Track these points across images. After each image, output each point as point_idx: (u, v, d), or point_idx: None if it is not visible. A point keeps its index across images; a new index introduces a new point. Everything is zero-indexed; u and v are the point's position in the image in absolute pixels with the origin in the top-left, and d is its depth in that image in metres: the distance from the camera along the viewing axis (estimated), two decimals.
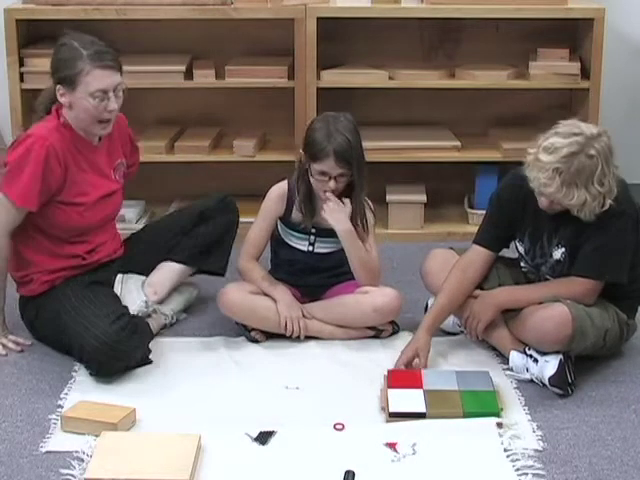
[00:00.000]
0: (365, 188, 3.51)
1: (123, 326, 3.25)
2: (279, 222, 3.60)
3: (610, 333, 3.29)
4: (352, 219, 3.48)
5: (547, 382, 3.20)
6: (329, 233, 3.52)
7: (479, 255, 3.43)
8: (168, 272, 3.66)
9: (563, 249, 3.30)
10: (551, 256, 3.33)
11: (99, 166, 3.47)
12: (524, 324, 3.29)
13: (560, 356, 3.19)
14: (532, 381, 3.26)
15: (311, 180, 3.46)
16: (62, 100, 3.32)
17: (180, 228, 3.70)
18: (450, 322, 3.55)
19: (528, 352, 3.27)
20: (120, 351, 3.23)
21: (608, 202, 3.16)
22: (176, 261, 3.67)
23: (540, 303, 3.27)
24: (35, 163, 3.28)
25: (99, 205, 3.46)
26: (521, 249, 3.42)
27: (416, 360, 3.31)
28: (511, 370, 3.31)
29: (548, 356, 3.22)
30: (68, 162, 3.35)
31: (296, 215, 3.56)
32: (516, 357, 3.30)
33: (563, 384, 3.19)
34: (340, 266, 3.59)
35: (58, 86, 3.31)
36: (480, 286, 3.44)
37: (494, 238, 3.44)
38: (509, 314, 3.38)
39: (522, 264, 3.47)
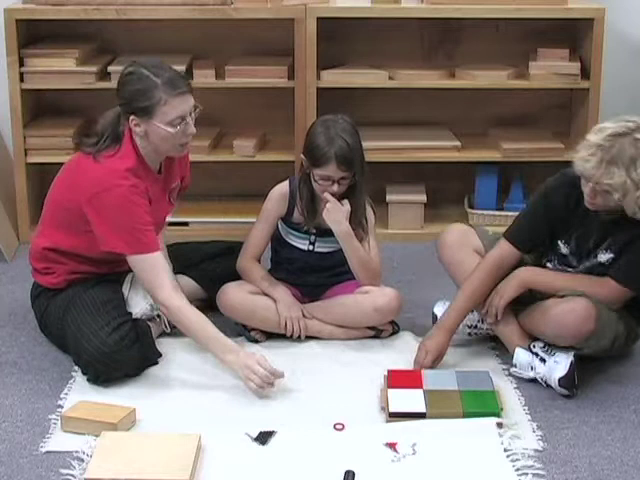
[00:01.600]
0: (366, 189, 3.51)
1: (123, 336, 3.25)
2: (280, 221, 3.60)
3: (619, 339, 3.28)
4: (351, 219, 3.48)
5: (556, 383, 3.19)
6: (330, 233, 3.52)
7: (509, 255, 3.36)
8: (181, 284, 3.63)
9: (612, 255, 3.25)
10: (596, 257, 3.28)
11: (160, 191, 3.42)
12: (544, 315, 3.24)
13: (571, 357, 3.18)
14: (534, 380, 3.25)
15: (314, 185, 3.46)
16: (137, 130, 3.26)
17: (205, 252, 3.71)
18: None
19: (534, 350, 3.26)
20: (118, 361, 3.22)
21: None
22: (190, 277, 3.67)
23: (561, 296, 3.23)
24: (138, 206, 3.23)
25: (158, 229, 3.45)
26: (565, 250, 3.34)
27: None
28: (515, 367, 3.30)
29: (558, 357, 3.20)
30: (149, 196, 3.31)
31: (297, 216, 3.56)
32: (521, 354, 3.28)
33: (571, 386, 3.19)
34: (340, 265, 3.59)
35: (132, 117, 3.24)
36: None
37: (528, 240, 3.38)
38: (521, 307, 3.35)
39: (550, 265, 3.40)
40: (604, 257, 3.27)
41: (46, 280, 3.44)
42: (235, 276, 3.62)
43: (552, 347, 3.26)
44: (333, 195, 3.44)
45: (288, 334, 3.51)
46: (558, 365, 3.20)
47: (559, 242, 3.36)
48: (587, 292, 3.22)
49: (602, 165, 3.03)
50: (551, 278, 3.34)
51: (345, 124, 3.45)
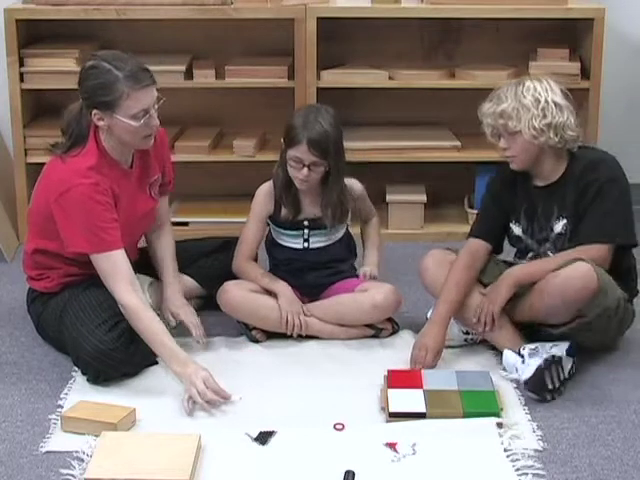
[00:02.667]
0: (340, 183, 3.51)
1: (120, 333, 3.24)
2: (271, 224, 3.61)
3: (621, 304, 3.26)
4: (325, 213, 3.51)
5: (523, 385, 3.18)
6: (322, 224, 3.54)
7: (479, 247, 3.45)
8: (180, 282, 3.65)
9: (565, 221, 3.33)
10: (552, 230, 3.35)
11: (135, 186, 3.41)
12: (544, 291, 3.23)
13: (540, 361, 3.16)
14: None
15: (288, 168, 3.47)
16: (100, 124, 3.24)
17: (201, 249, 3.71)
18: (455, 330, 3.50)
19: (522, 352, 3.24)
20: (117, 360, 3.22)
21: (568, 134, 3.27)
22: (187, 274, 3.67)
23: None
24: (100, 204, 3.22)
25: (138, 224, 3.46)
26: (518, 230, 3.44)
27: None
28: (504, 370, 3.29)
29: (532, 359, 3.18)
30: (115, 192, 3.30)
31: (285, 212, 3.56)
32: (509, 356, 3.28)
33: (540, 390, 3.15)
34: (338, 261, 3.62)
35: (94, 111, 3.22)
36: (480, 280, 3.44)
37: (490, 229, 3.49)
38: (513, 303, 3.34)
39: (518, 260, 3.46)
40: (559, 226, 3.34)
41: (41, 285, 3.45)
42: (229, 272, 3.62)
43: (539, 350, 3.22)
44: (303, 181, 3.44)
45: (289, 329, 3.51)
46: (528, 367, 3.17)
47: (511, 225, 3.46)
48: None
49: (494, 101, 3.35)
50: (541, 265, 3.33)
51: (327, 114, 3.46)
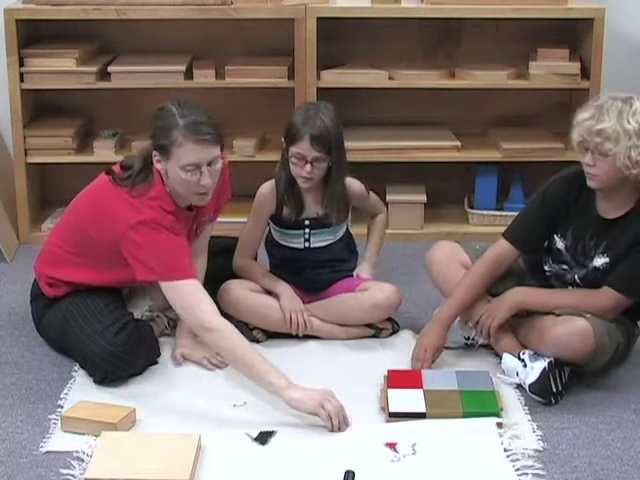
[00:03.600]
0: (343, 178, 3.51)
1: (129, 335, 3.25)
2: (271, 224, 3.61)
3: (621, 347, 3.27)
4: (328, 208, 3.51)
5: (527, 389, 3.18)
6: (324, 223, 3.54)
7: (507, 253, 3.37)
8: None
9: (607, 259, 3.23)
10: (592, 261, 3.26)
11: (187, 226, 3.37)
12: (542, 336, 3.22)
13: (545, 364, 3.16)
14: (520, 386, 3.23)
15: (290, 167, 3.47)
16: (158, 166, 3.21)
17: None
18: (457, 337, 3.49)
19: (522, 356, 3.24)
20: (125, 361, 3.23)
21: None
22: None
23: (556, 315, 3.22)
24: (171, 234, 3.18)
25: None
26: (561, 245, 3.33)
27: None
28: (502, 373, 3.28)
29: (536, 362, 3.18)
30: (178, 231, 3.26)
31: (287, 211, 3.56)
32: (509, 360, 3.28)
33: (545, 393, 3.15)
34: (339, 260, 3.63)
35: (154, 152, 3.20)
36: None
37: (526, 238, 3.37)
38: (517, 320, 3.34)
39: (547, 267, 3.39)
40: (599, 261, 3.25)
41: (48, 291, 3.43)
42: (234, 274, 3.62)
43: (541, 355, 3.22)
44: (306, 179, 3.44)
45: (293, 328, 3.51)
46: (532, 371, 3.17)
47: (555, 236, 3.34)
48: (583, 304, 3.21)
49: (595, 115, 3.10)
50: (544, 298, 3.31)
51: (326, 110, 3.47)
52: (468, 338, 3.47)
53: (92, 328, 3.26)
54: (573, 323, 3.16)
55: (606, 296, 3.21)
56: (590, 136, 3.10)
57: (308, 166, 3.43)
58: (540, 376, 3.15)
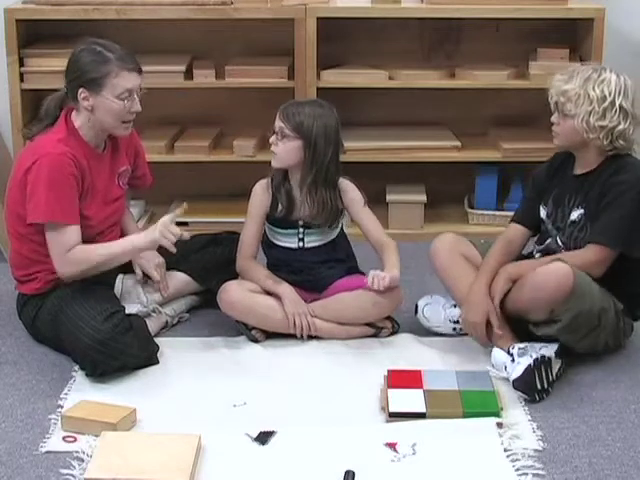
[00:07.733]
0: (329, 182, 3.50)
1: (116, 323, 3.26)
2: (267, 224, 3.62)
3: (606, 315, 3.26)
4: (312, 209, 3.52)
5: (512, 384, 3.17)
6: (317, 224, 3.55)
7: (516, 233, 3.49)
8: (174, 279, 3.68)
9: (582, 210, 3.31)
10: (569, 217, 3.34)
11: (105, 170, 3.48)
12: (524, 283, 3.25)
13: (530, 361, 3.16)
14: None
15: None
16: (84, 104, 3.36)
17: (191, 245, 3.71)
18: (441, 317, 3.54)
19: (511, 351, 3.24)
20: (114, 349, 3.23)
21: (619, 142, 3.23)
22: (180, 271, 3.69)
23: None
24: (65, 178, 3.30)
25: (104, 210, 3.48)
26: (543, 213, 3.43)
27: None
28: (492, 367, 3.29)
29: (522, 358, 3.17)
30: (83, 166, 3.36)
31: (282, 208, 3.56)
32: (498, 354, 3.28)
33: (529, 389, 3.14)
34: (334, 260, 3.62)
35: (81, 89, 3.34)
36: None
37: (527, 213, 3.50)
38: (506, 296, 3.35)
39: (537, 256, 3.44)
40: (575, 214, 3.33)
41: (29, 287, 3.46)
42: (225, 264, 3.66)
43: (529, 350, 3.21)
44: (273, 153, 3.48)
45: (298, 331, 3.52)
46: (518, 366, 3.17)
47: (540, 207, 3.45)
48: (570, 261, 3.22)
49: (566, 78, 3.29)
50: (535, 264, 3.32)
51: (320, 107, 3.49)
52: (456, 322, 3.50)
53: (81, 319, 3.27)
54: (553, 265, 3.20)
55: (590, 250, 3.27)
56: (557, 95, 3.30)
57: (273, 136, 3.46)
58: (525, 372, 3.14)
